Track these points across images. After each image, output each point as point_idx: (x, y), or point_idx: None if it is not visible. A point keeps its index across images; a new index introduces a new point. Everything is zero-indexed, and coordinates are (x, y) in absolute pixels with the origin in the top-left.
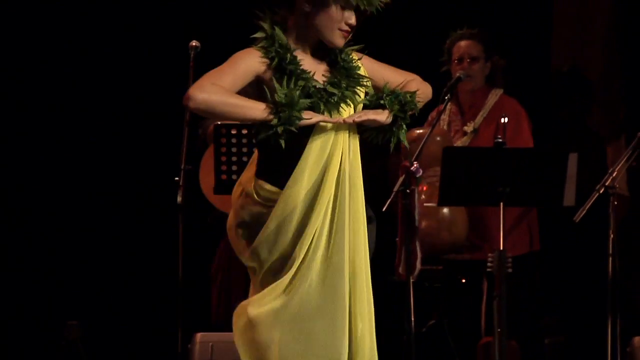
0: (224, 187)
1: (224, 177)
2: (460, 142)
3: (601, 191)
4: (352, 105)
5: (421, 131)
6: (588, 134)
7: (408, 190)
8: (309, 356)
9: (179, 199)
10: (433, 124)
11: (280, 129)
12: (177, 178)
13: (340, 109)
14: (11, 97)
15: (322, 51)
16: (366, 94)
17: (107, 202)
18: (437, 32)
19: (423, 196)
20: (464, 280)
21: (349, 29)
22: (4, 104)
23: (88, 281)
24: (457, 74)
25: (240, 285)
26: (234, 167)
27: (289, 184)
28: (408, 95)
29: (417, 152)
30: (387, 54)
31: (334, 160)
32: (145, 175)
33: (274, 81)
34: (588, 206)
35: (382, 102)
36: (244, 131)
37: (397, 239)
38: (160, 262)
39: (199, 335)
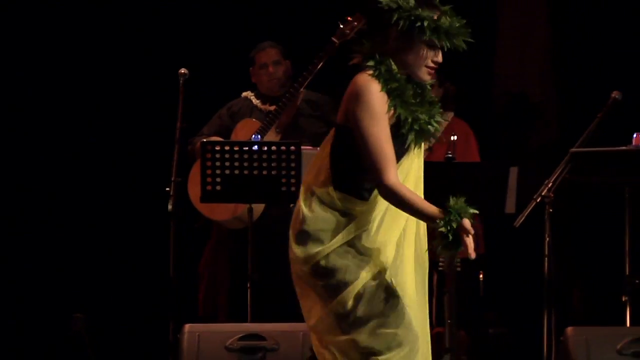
0: (210, 196)
1: (209, 187)
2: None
3: (538, 200)
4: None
5: None
6: (528, 150)
7: None
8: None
9: (170, 207)
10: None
11: (445, 230)
12: (168, 188)
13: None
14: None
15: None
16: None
17: (111, 209)
18: None
19: None
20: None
21: (436, 66)
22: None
23: (92, 278)
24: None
25: (224, 282)
26: (218, 179)
27: (373, 197)
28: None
29: None
30: None
31: (410, 177)
32: (141, 186)
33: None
34: (526, 213)
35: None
36: (227, 147)
37: None
38: (154, 262)
39: (187, 326)
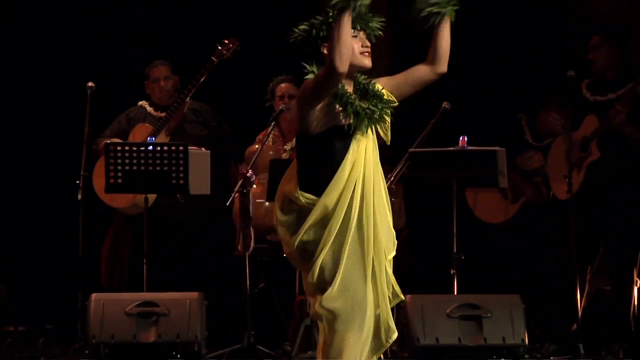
0: (113, 188)
1: (112, 181)
2: (283, 157)
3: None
4: (387, 122)
5: (256, 147)
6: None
7: (245, 190)
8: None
9: (79, 196)
10: (262, 142)
11: None
12: (77, 181)
13: (379, 125)
14: None
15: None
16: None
17: (31, 198)
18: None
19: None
20: (284, 255)
21: (368, 49)
22: None
23: (16, 255)
24: (281, 107)
25: (124, 261)
26: (120, 174)
27: (326, 192)
28: None
29: (251, 163)
30: None
31: (360, 171)
32: (56, 179)
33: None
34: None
35: None
36: (127, 147)
37: (237, 225)
38: (66, 242)
39: (93, 295)
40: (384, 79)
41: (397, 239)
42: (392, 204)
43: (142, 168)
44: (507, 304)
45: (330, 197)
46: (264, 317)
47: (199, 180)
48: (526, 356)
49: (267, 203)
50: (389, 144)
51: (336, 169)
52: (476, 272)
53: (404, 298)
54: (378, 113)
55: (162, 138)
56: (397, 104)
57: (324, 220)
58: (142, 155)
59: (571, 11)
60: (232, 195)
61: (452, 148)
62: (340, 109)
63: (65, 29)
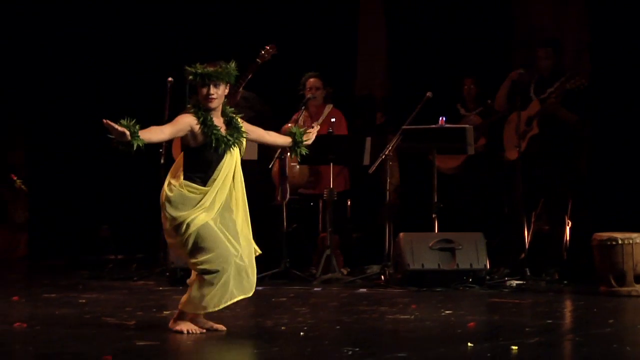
0: None
1: None
2: None
3: (383, 157)
4: (239, 148)
5: (289, 125)
6: (375, 128)
7: (283, 157)
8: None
9: (162, 160)
10: (295, 122)
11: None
12: (160, 150)
13: (233, 149)
14: None
15: (224, 117)
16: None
17: (127, 162)
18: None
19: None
20: (312, 204)
21: (211, 97)
22: None
23: (115, 202)
24: (308, 96)
25: None
26: None
27: (209, 182)
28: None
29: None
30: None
31: (231, 171)
32: (146, 148)
33: (201, 128)
34: (376, 165)
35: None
36: None
37: (276, 182)
38: (152, 193)
39: None
40: (246, 124)
41: (394, 192)
42: (390, 166)
43: None
44: (473, 239)
45: (212, 188)
46: (295, 248)
47: (249, 150)
48: (487, 277)
49: (297, 166)
50: (243, 158)
51: (214, 169)
52: (449, 215)
53: (260, 252)
54: (232, 141)
55: None
56: (247, 135)
57: (203, 204)
58: None
59: (517, 25)
60: (273, 160)
61: (433, 125)
62: (207, 132)
63: (149, 33)
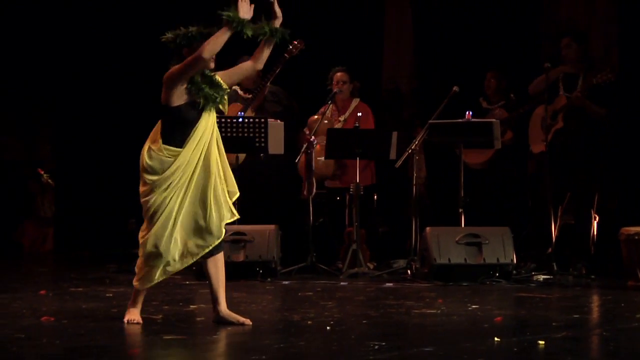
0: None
1: None
2: (337, 126)
3: (409, 151)
4: (225, 102)
5: (316, 117)
6: (401, 122)
7: (309, 151)
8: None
9: None
10: (322, 114)
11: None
12: None
13: (212, 109)
14: None
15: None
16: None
17: None
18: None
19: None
20: (338, 198)
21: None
22: None
23: None
24: (335, 90)
25: None
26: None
27: (184, 145)
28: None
29: (314, 130)
30: None
31: (208, 133)
32: None
33: (187, 87)
34: (403, 159)
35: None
36: (228, 120)
37: (303, 176)
38: None
39: None
40: (220, 73)
41: (422, 186)
42: (417, 161)
43: (235, 134)
44: (500, 233)
45: (188, 148)
46: (322, 243)
47: (275, 144)
48: (514, 272)
49: (323, 159)
50: (226, 113)
51: (190, 131)
52: (476, 210)
53: (238, 216)
54: (219, 98)
55: (249, 113)
56: (229, 90)
57: (180, 166)
58: (235, 125)
59: (544, 20)
60: (300, 154)
61: (460, 120)
62: (194, 91)
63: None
